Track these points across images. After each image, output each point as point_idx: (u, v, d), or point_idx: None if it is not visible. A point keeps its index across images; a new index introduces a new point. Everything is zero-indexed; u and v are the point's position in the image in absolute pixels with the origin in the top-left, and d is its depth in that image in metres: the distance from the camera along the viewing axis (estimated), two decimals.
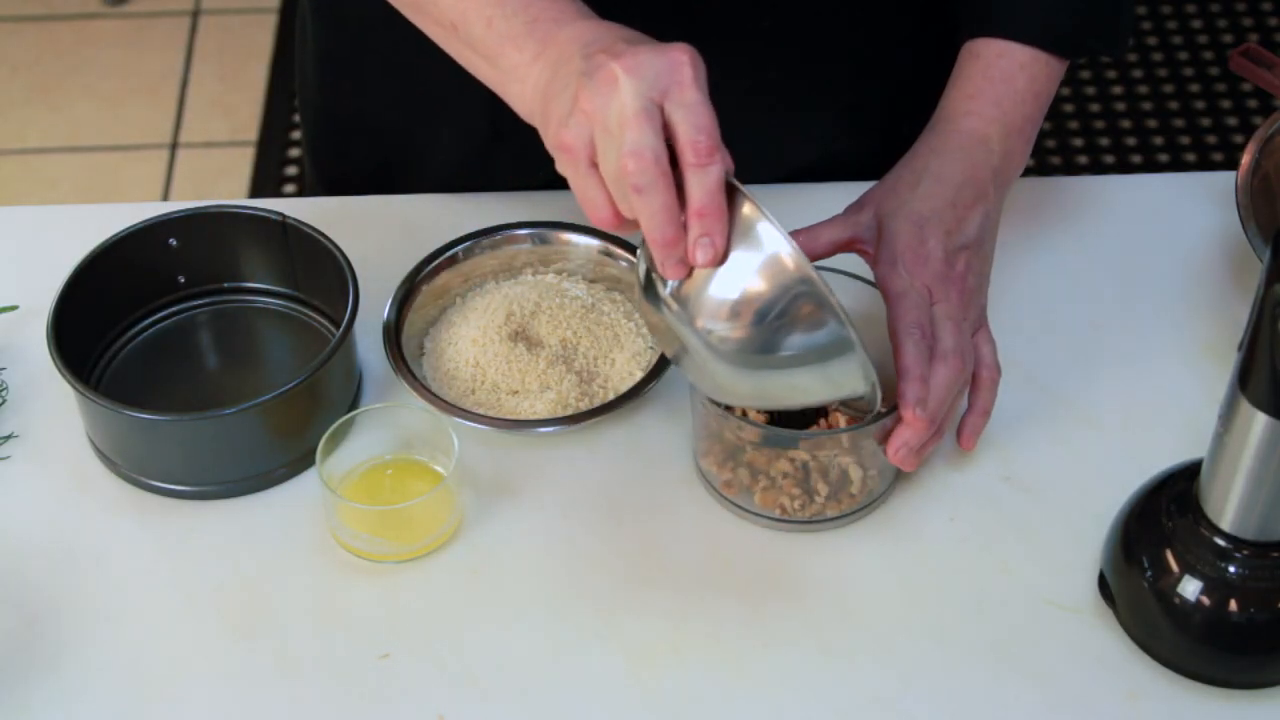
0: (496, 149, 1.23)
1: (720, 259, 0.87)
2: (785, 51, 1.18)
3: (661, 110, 0.86)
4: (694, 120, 0.86)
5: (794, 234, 1.04)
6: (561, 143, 0.89)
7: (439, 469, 1.05)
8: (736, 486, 1.04)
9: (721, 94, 1.19)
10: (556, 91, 0.90)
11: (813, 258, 1.04)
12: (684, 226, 0.87)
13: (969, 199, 1.04)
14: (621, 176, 0.86)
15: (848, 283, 1.06)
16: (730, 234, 0.87)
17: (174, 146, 2.68)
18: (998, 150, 1.07)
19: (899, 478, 1.07)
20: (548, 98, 0.91)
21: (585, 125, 0.88)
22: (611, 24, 0.93)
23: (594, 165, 0.88)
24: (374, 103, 1.25)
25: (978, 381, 1.04)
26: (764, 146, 1.24)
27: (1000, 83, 1.08)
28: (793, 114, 1.22)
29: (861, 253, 1.05)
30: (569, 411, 1.07)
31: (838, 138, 1.25)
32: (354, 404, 1.11)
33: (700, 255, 0.87)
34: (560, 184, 1.24)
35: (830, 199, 1.10)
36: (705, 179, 0.86)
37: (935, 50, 1.19)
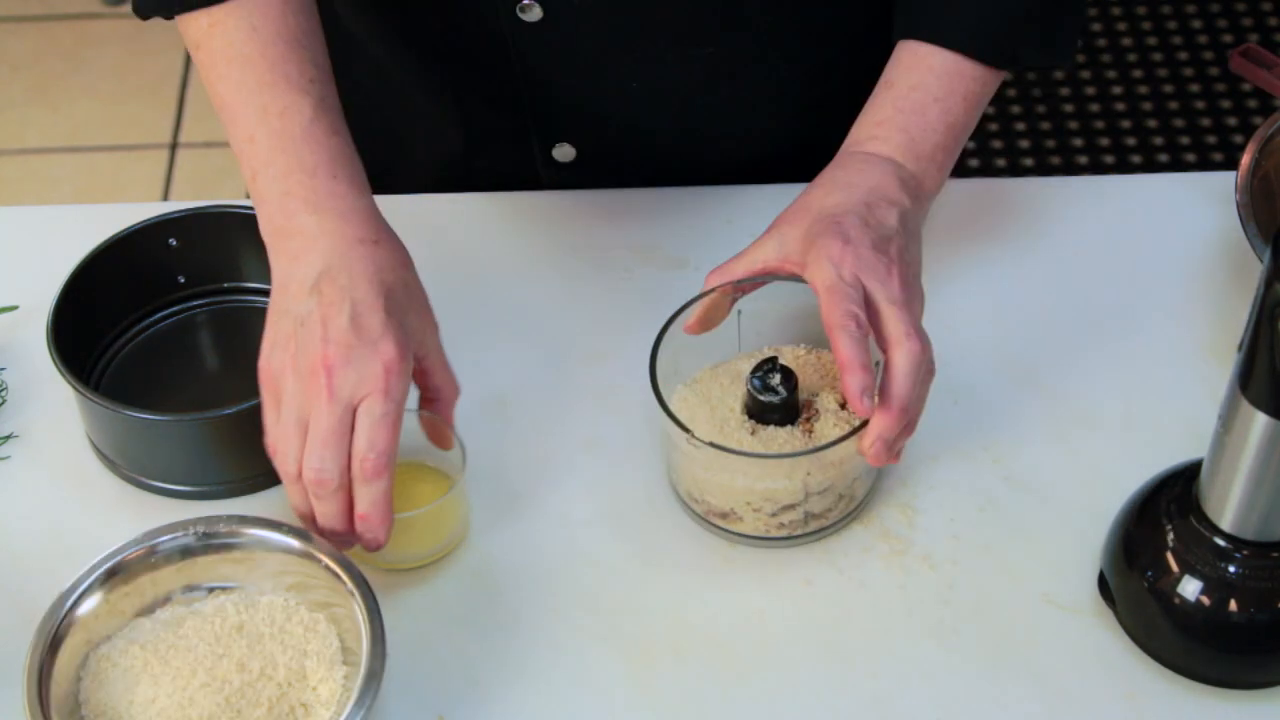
0: (473, 159, 1.25)
1: (379, 548, 0.96)
2: (745, 45, 1.18)
3: (356, 408, 0.93)
4: (370, 436, 0.92)
5: (713, 273, 1.04)
6: (262, 369, 0.96)
7: (447, 474, 1.04)
8: (730, 518, 1.03)
9: (686, 86, 1.20)
10: (280, 308, 0.95)
11: (741, 291, 1.04)
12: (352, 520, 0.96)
13: (881, 200, 1.02)
14: (308, 481, 0.93)
15: (806, 288, 1.05)
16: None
17: (174, 146, 2.68)
18: (909, 169, 1.05)
19: (896, 475, 1.07)
20: (274, 302, 0.96)
21: (283, 374, 0.94)
22: (354, 224, 0.96)
23: (278, 406, 0.95)
24: (362, 106, 1.27)
25: None
26: (732, 134, 1.24)
27: (910, 113, 1.06)
28: (758, 103, 1.23)
29: (787, 272, 1.02)
30: None
31: (804, 126, 1.25)
32: None
33: (367, 544, 0.96)
34: (536, 185, 1.25)
35: None
36: (370, 493, 0.93)
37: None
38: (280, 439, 0.94)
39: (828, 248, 0.99)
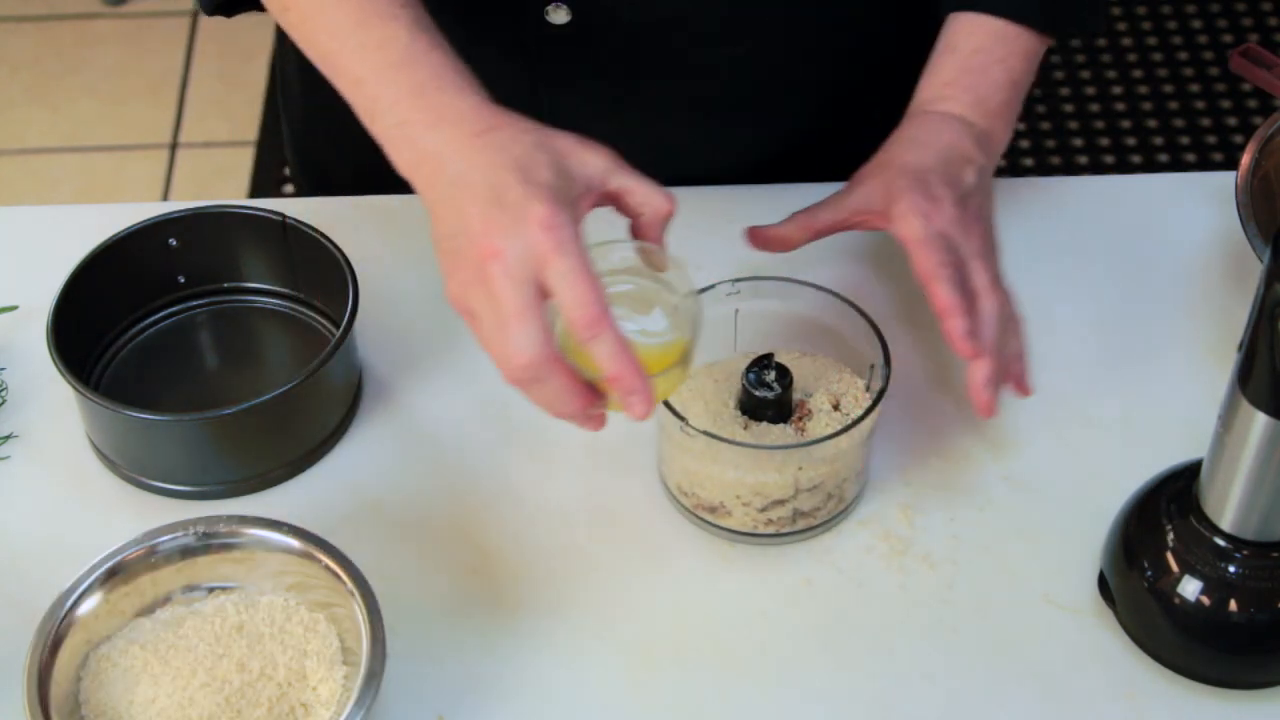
0: None
1: (649, 405, 0.89)
2: (769, 44, 1.19)
3: (542, 280, 0.89)
4: (571, 295, 0.88)
5: (791, 217, 1.05)
6: (456, 308, 0.92)
7: (675, 294, 0.97)
8: (719, 513, 1.03)
9: (679, 93, 1.20)
10: (437, 235, 0.93)
11: (820, 233, 1.06)
12: (591, 389, 0.91)
13: (958, 158, 1.05)
14: (518, 371, 0.89)
15: (804, 290, 1.06)
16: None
17: (174, 146, 2.69)
18: (978, 125, 1.08)
19: (897, 475, 1.07)
20: (434, 234, 0.93)
21: (466, 293, 0.90)
22: (468, 124, 0.93)
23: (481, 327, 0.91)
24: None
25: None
26: (748, 135, 1.25)
27: (976, 73, 1.09)
28: (779, 102, 1.23)
29: (868, 225, 1.05)
30: None
31: (819, 124, 1.26)
32: (354, 404, 1.11)
33: (636, 412, 0.90)
34: None
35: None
36: (603, 347, 0.88)
37: (896, 38, 1.22)
38: (493, 353, 0.91)
39: (915, 203, 1.01)
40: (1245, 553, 0.94)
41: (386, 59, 0.96)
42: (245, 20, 1.30)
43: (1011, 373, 1.02)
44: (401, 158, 0.95)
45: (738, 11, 1.15)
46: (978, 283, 1.00)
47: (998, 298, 0.99)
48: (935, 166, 1.04)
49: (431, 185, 0.93)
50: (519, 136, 0.92)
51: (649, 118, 1.21)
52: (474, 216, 0.90)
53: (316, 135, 1.33)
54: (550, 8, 1.12)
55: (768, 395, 1.02)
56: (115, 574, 0.96)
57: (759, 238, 1.06)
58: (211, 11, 1.10)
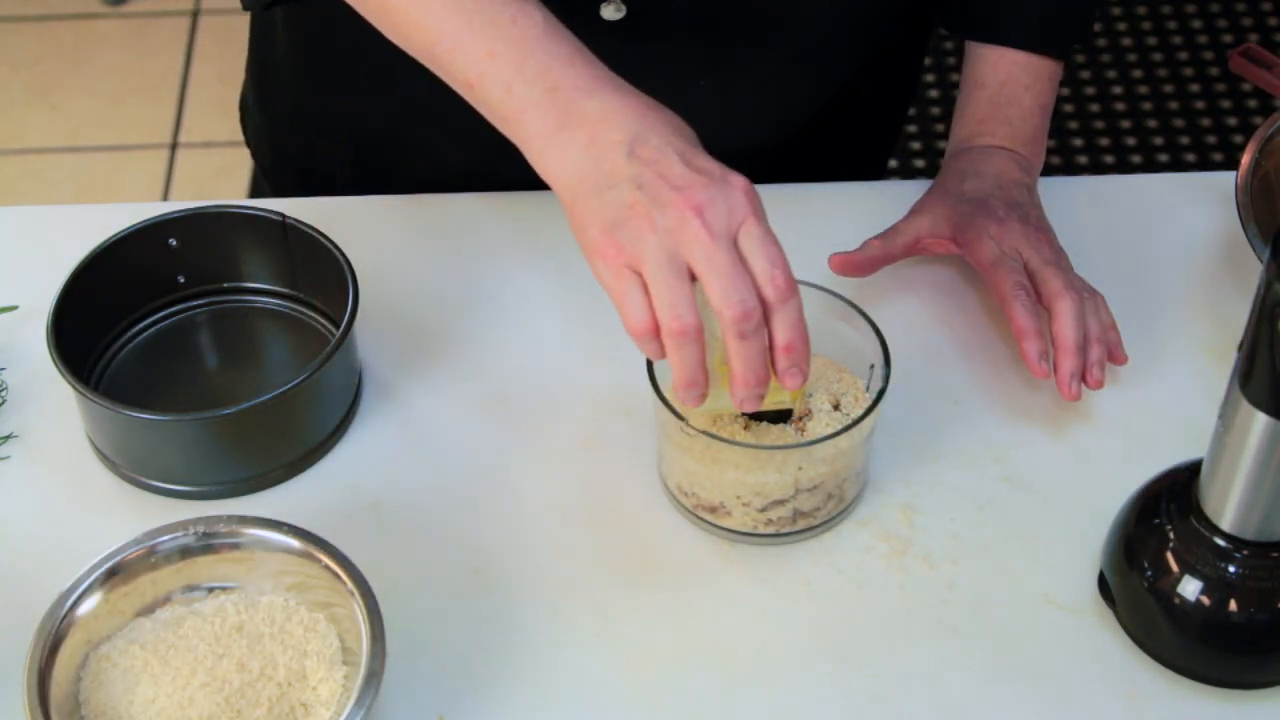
0: (503, 158, 1.24)
1: (804, 379, 0.92)
2: (809, 43, 1.20)
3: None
4: (769, 255, 0.89)
5: (868, 244, 1.13)
6: (606, 249, 0.90)
7: None
8: (719, 513, 1.03)
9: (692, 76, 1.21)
10: (598, 187, 0.91)
11: (894, 258, 1.14)
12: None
13: (1009, 181, 1.15)
14: (734, 320, 0.89)
15: (804, 290, 1.06)
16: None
17: (174, 146, 2.69)
18: (1019, 152, 1.17)
19: (897, 475, 1.07)
20: (584, 189, 0.92)
21: (643, 239, 0.89)
22: (634, 97, 0.93)
23: (637, 271, 0.89)
24: (358, 107, 1.25)
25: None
26: (783, 131, 1.25)
27: (1007, 105, 1.18)
28: (815, 99, 1.25)
29: (936, 249, 1.14)
30: None
31: (835, 120, 1.27)
32: (354, 404, 1.11)
33: (790, 383, 0.91)
34: None
35: (827, 199, 1.10)
36: (789, 314, 0.90)
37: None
38: (665, 303, 0.89)
39: (985, 227, 1.11)
40: (1245, 553, 0.94)
41: (525, 32, 0.95)
42: (245, 20, 1.30)
43: (1108, 341, 1.09)
44: (543, 123, 0.94)
45: (789, 9, 1.15)
46: (1050, 288, 1.08)
47: (1072, 298, 1.07)
48: (992, 191, 1.13)
49: (590, 144, 0.92)
50: (686, 127, 0.94)
51: (683, 108, 1.21)
52: (671, 173, 0.90)
53: (310, 127, 1.32)
54: (604, 4, 1.12)
55: None
56: (115, 574, 0.96)
57: (847, 264, 1.12)
58: (249, 6, 1.12)
